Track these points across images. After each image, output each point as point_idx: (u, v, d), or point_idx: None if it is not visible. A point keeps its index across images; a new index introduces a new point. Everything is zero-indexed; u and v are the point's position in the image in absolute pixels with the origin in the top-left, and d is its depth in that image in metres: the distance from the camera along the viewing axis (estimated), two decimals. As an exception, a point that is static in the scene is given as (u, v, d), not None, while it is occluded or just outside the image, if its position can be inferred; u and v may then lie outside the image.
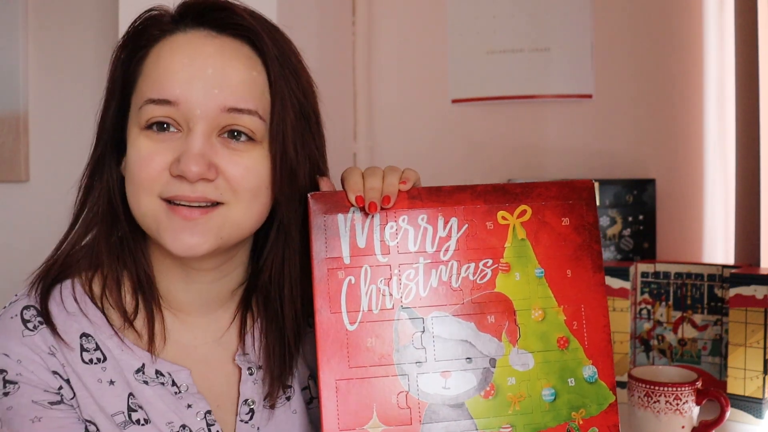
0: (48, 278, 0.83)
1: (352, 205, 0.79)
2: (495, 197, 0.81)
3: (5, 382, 0.78)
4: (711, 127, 1.69)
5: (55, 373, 0.79)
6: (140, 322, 0.84)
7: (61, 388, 0.79)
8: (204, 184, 0.76)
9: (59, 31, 2.06)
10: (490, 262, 0.80)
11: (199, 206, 0.77)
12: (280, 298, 0.86)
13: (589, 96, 1.79)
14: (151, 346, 0.83)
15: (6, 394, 0.78)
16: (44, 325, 0.80)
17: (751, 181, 1.54)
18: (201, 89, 0.76)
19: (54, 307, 0.81)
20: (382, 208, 0.79)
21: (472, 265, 0.80)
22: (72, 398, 0.80)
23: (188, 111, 0.76)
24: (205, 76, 0.76)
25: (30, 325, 0.80)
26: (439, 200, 0.81)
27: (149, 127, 0.77)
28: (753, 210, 1.54)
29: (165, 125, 0.77)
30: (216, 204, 0.78)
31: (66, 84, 2.05)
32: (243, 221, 0.80)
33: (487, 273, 0.80)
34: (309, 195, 0.80)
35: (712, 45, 1.69)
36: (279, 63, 0.80)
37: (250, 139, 0.79)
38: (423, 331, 0.78)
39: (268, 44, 0.79)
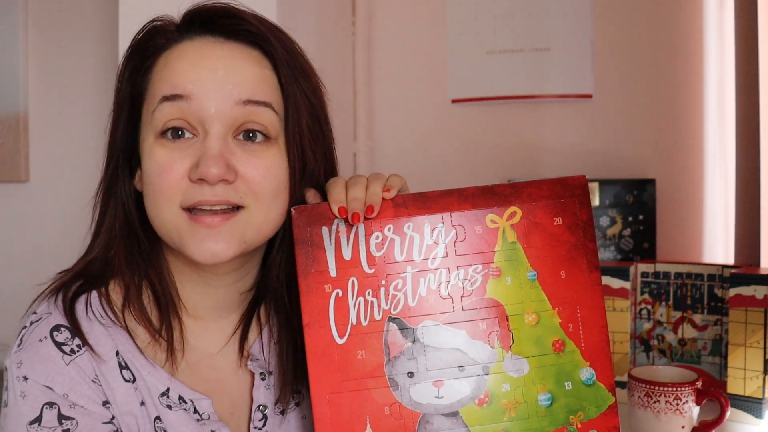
0: (68, 293, 0.81)
1: (336, 217, 0.78)
2: (483, 200, 0.80)
3: (61, 417, 0.76)
4: (711, 127, 1.69)
5: (105, 403, 0.78)
6: (164, 336, 0.83)
7: (113, 418, 0.78)
8: (224, 186, 0.75)
9: (59, 32, 2.06)
10: (480, 267, 0.79)
11: (222, 210, 0.76)
12: (288, 296, 0.86)
13: (589, 96, 1.78)
14: (172, 357, 0.82)
15: (66, 431, 0.75)
16: (84, 348, 0.78)
17: (751, 181, 1.54)
18: (213, 86, 0.75)
19: (85, 324, 0.79)
20: (365, 218, 0.77)
21: (462, 271, 0.79)
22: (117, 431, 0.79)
23: (202, 109, 0.75)
24: (217, 76, 0.76)
25: (67, 348, 0.77)
26: (425, 207, 0.79)
27: (164, 134, 0.76)
28: (753, 210, 1.53)
29: (180, 131, 0.76)
30: (237, 208, 0.77)
31: (66, 84, 2.05)
32: (264, 224, 0.79)
33: (477, 279, 0.79)
34: (292, 208, 0.79)
35: (712, 45, 1.68)
36: (289, 66, 0.80)
37: (266, 138, 0.78)
38: (414, 342, 0.77)
39: (277, 48, 0.79)
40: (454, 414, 0.77)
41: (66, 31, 2.05)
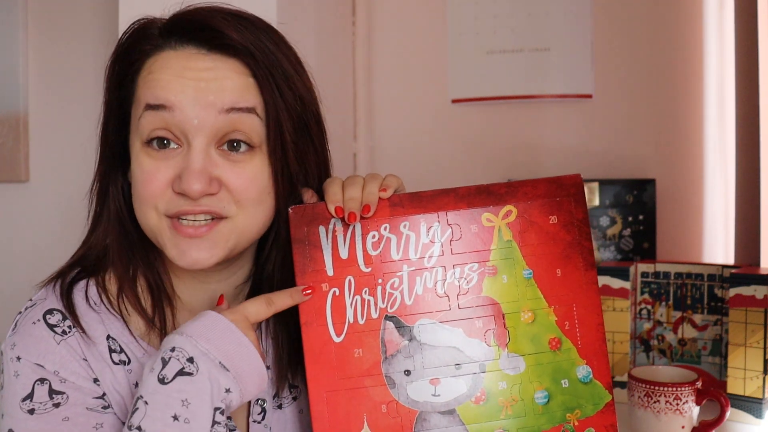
0: (66, 279, 0.83)
1: (333, 217, 0.79)
2: (479, 199, 0.80)
3: (52, 392, 0.77)
4: (711, 127, 1.69)
5: (95, 380, 0.80)
6: (158, 324, 0.85)
7: (104, 394, 0.80)
8: (207, 197, 0.76)
9: (59, 32, 2.06)
10: (476, 266, 0.79)
11: (205, 221, 0.77)
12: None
13: (589, 96, 1.78)
14: None
15: (57, 405, 0.77)
16: (75, 329, 0.80)
17: (751, 181, 1.54)
18: (196, 97, 0.76)
19: (80, 308, 0.81)
20: (362, 218, 0.78)
21: (458, 270, 0.79)
22: (109, 405, 0.80)
23: (185, 120, 0.76)
24: (199, 87, 0.76)
25: (59, 330, 0.79)
26: (421, 206, 0.80)
27: (150, 142, 0.77)
28: (753, 210, 1.53)
29: (165, 141, 0.77)
30: (221, 218, 0.78)
31: (66, 84, 2.05)
32: (249, 229, 0.80)
33: (473, 277, 0.79)
34: (289, 208, 0.80)
35: (712, 45, 1.68)
36: (271, 75, 0.79)
37: (249, 147, 0.78)
38: (410, 340, 0.78)
39: (258, 59, 0.78)
40: (451, 412, 0.77)
41: (66, 31, 2.05)
